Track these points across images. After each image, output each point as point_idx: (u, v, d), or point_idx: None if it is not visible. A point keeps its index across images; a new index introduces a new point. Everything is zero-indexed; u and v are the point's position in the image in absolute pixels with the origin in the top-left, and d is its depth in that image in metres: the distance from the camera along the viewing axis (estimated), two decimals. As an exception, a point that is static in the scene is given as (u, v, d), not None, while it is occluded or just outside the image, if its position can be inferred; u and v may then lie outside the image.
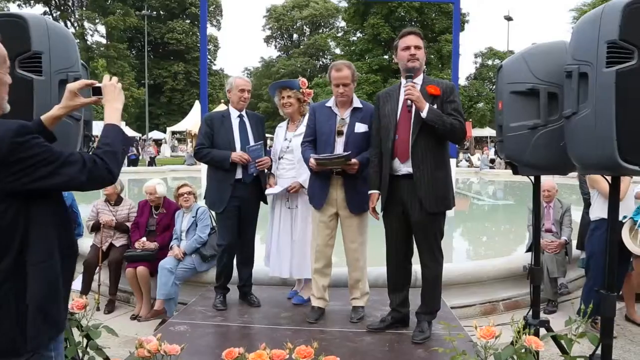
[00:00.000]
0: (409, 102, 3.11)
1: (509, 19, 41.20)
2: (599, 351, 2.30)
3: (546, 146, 2.62)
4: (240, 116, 4.02)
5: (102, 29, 45.99)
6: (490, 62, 44.03)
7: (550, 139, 2.60)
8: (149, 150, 27.24)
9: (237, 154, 3.87)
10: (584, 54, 2.16)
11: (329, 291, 3.80)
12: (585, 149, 2.18)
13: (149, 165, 24.78)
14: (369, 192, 3.40)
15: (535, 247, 3.06)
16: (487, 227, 10.92)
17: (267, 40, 65.44)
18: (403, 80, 3.23)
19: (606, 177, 2.27)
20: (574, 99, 2.22)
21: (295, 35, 65.74)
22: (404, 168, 3.21)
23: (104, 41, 46.80)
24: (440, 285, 3.38)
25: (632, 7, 2.00)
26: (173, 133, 40.52)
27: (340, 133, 3.57)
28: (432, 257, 3.29)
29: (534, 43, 2.87)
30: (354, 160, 3.43)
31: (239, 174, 3.91)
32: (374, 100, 3.48)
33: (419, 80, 3.25)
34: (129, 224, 5.15)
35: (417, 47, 3.21)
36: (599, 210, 4.11)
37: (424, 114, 3.06)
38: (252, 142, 3.98)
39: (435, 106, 3.12)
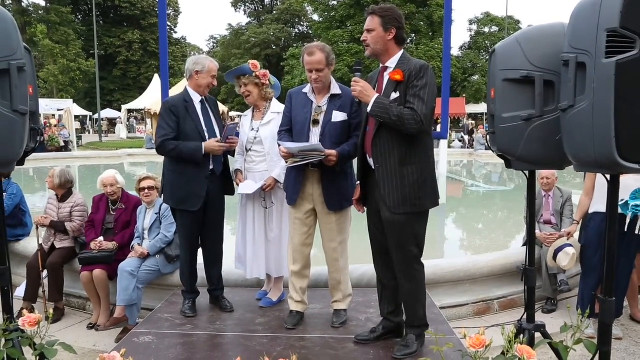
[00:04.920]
0: (356, 99, 3.17)
1: (507, -20, 41.39)
2: (597, 359, 2.43)
3: (541, 139, 2.70)
4: (202, 102, 4.07)
5: (39, -11, 44.74)
6: (486, 30, 44.36)
7: (546, 131, 2.68)
8: (63, 134, 26.22)
9: (215, 145, 3.87)
10: (582, 42, 2.23)
11: (308, 292, 3.89)
12: (582, 146, 2.26)
13: (60, 151, 23.04)
14: (357, 182, 3.45)
15: (529, 245, 3.15)
16: (482, 215, 11.10)
17: (235, 4, 64.62)
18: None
19: (605, 175, 2.36)
20: (571, 91, 2.29)
21: (267, -1, 64.95)
22: (372, 162, 3.24)
23: (42, 3, 45.60)
24: (421, 301, 3.27)
25: (635, -9, 2.03)
26: (129, 111, 39.93)
27: (315, 122, 3.61)
28: (406, 270, 3.18)
29: (530, 25, 2.94)
30: (330, 151, 3.43)
31: (210, 165, 3.98)
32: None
33: (392, 63, 3.17)
34: (68, 224, 5.06)
35: (368, 31, 3.14)
36: (597, 202, 4.29)
37: (369, 109, 3.08)
38: (216, 130, 4.06)
39: (398, 94, 3.06)
